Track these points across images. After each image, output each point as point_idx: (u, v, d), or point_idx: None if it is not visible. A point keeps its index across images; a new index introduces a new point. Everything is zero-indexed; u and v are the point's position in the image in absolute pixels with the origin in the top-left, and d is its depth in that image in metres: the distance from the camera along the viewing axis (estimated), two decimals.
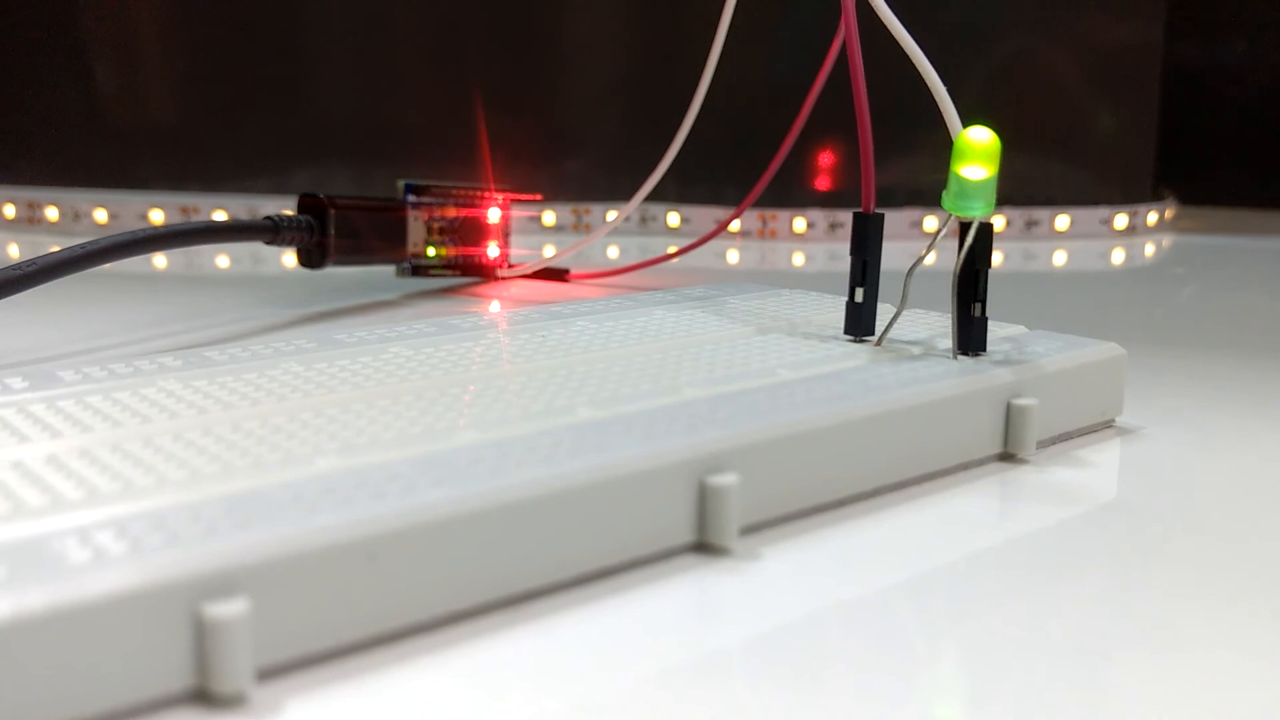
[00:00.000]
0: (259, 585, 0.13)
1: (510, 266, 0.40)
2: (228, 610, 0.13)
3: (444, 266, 0.39)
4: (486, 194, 0.40)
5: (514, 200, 0.41)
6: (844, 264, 0.51)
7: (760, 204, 0.55)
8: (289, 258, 0.49)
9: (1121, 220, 0.56)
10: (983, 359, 0.22)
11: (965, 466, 0.21)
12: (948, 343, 0.24)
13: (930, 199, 0.56)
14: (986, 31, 0.57)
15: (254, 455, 0.16)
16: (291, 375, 0.21)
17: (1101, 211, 0.56)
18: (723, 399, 0.19)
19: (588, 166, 0.58)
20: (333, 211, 0.35)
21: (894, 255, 0.55)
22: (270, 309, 0.36)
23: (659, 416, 0.18)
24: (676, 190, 0.56)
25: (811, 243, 0.55)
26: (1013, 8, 0.57)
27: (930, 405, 0.20)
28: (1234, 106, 0.68)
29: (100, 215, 0.53)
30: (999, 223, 0.55)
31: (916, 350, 0.23)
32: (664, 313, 0.26)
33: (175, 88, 0.59)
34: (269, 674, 0.14)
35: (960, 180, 0.22)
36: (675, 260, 0.41)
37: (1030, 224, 0.55)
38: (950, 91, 0.23)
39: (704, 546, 0.17)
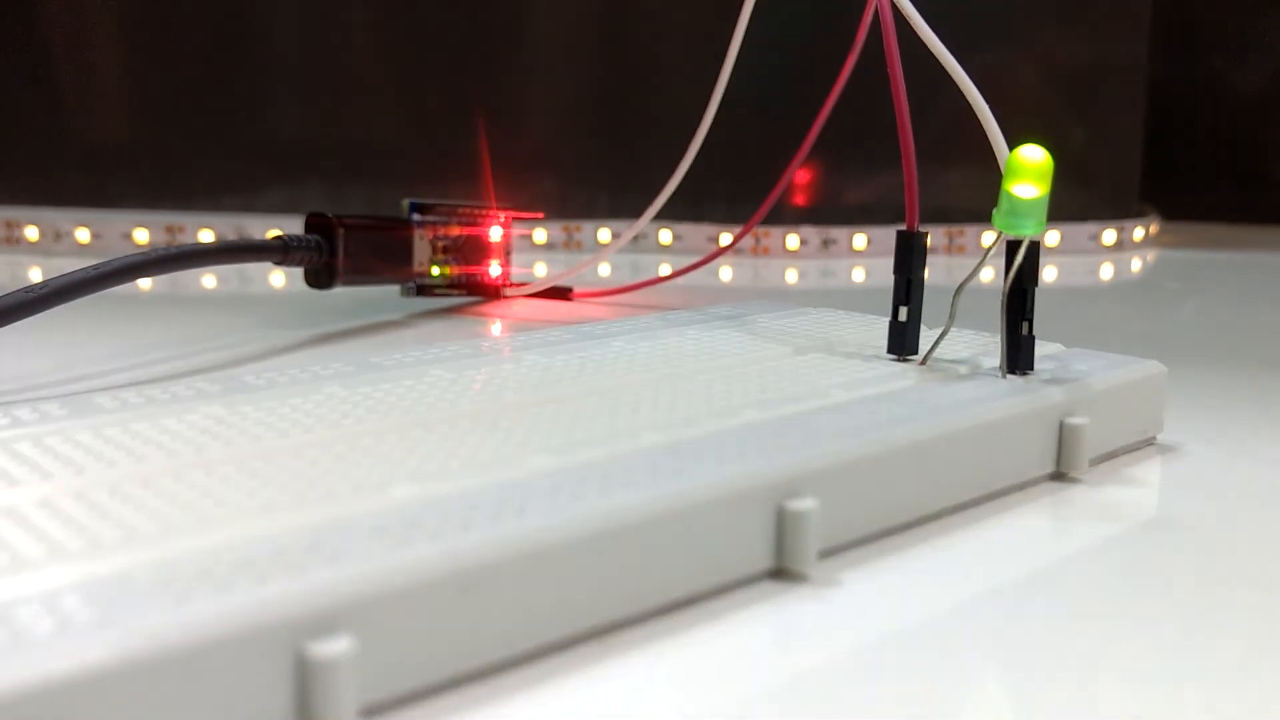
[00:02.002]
0: (362, 622, 0.13)
1: (515, 285, 0.40)
2: (332, 649, 0.12)
3: (449, 286, 0.39)
4: (489, 212, 0.39)
5: (516, 218, 0.41)
6: (836, 280, 0.52)
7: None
8: (277, 277, 0.48)
9: (1110, 236, 0.56)
10: (1032, 378, 0.22)
11: (1020, 486, 0.21)
12: (990, 361, 0.24)
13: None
14: (971, 48, 0.57)
15: (324, 485, 0.16)
16: (338, 400, 0.20)
17: (1090, 227, 0.56)
18: (786, 422, 0.19)
19: (562, 182, 0.58)
20: (342, 231, 0.34)
21: (885, 272, 0.55)
22: (275, 331, 0.35)
23: (726, 440, 0.18)
24: (666, 207, 0.56)
25: (804, 259, 0.55)
26: (997, 24, 0.58)
27: (993, 425, 0.20)
28: (1209, 122, 0.69)
29: (82, 235, 0.52)
30: (988, 238, 0.55)
31: (963, 369, 0.23)
32: (697, 333, 0.26)
33: (141, 105, 0.58)
34: (369, 712, 0.13)
35: (1012, 198, 0.21)
36: (654, 278, 0.41)
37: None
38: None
39: (781, 572, 0.17)
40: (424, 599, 0.13)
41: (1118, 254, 0.56)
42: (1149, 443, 0.24)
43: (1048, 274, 0.52)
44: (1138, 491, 0.21)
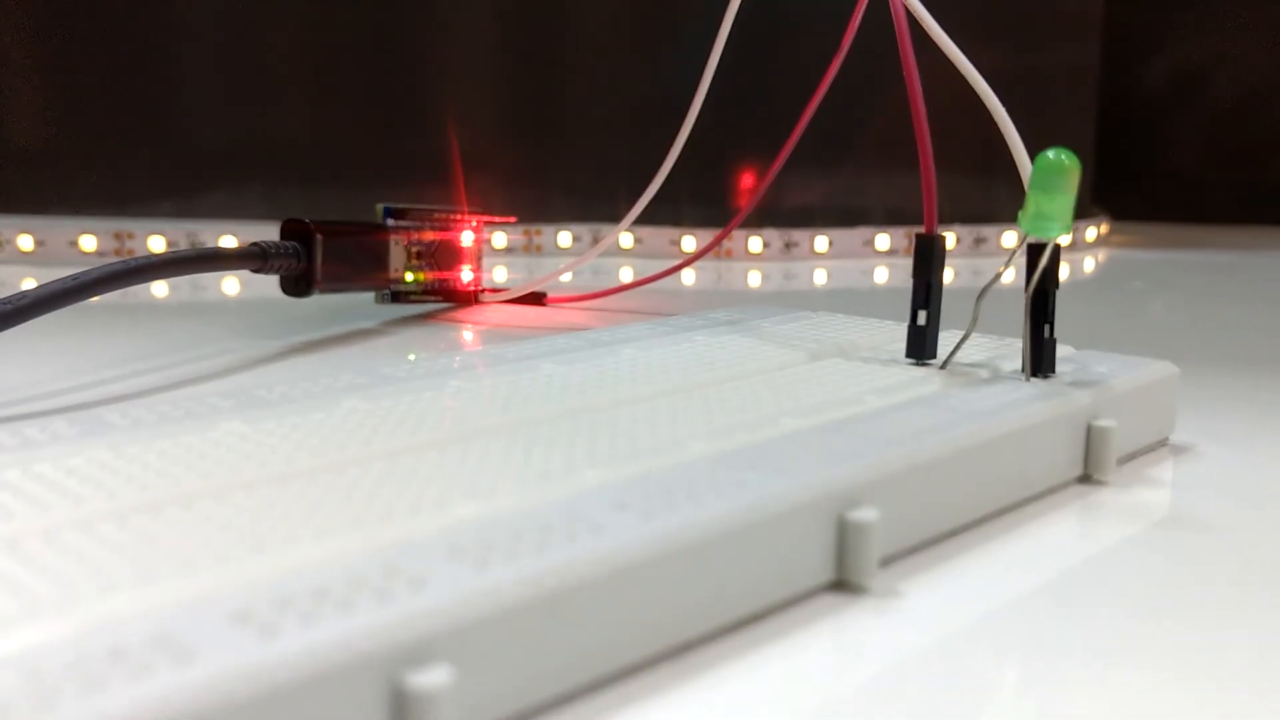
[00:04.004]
0: (458, 650, 0.12)
1: (492, 291, 0.39)
2: (431, 679, 0.12)
3: (423, 292, 0.38)
4: (462, 216, 0.39)
5: (488, 222, 0.40)
6: (798, 283, 0.52)
7: (715, 224, 0.54)
8: (231, 285, 0.47)
9: (1066, 238, 0.57)
10: (1055, 380, 0.22)
11: (1052, 490, 0.21)
12: (1007, 364, 0.24)
13: (876, 218, 0.56)
14: (924, 50, 0.58)
15: (378, 505, 0.15)
16: (362, 414, 0.19)
17: None
18: (830, 429, 0.19)
19: (491, 185, 0.57)
20: (320, 237, 0.33)
21: (847, 274, 0.55)
22: (249, 340, 0.34)
23: (776, 450, 0.18)
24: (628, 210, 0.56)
25: (767, 262, 0.55)
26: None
27: (1034, 429, 0.20)
28: (1155, 124, 0.70)
29: (25, 242, 0.50)
30: (950, 240, 0.56)
31: (983, 373, 0.23)
32: (706, 339, 0.25)
33: (67, 110, 0.56)
34: None
35: (1038, 201, 0.21)
36: (633, 281, 0.41)
37: (978, 241, 0.56)
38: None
39: (841, 584, 0.17)
40: (515, 623, 0.13)
41: (1072, 254, 0.57)
42: (1163, 443, 0.24)
43: (1006, 275, 0.53)
44: (1167, 493, 0.21)
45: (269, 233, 0.34)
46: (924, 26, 0.24)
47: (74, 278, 0.26)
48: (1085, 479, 0.22)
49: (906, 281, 0.24)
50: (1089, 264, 0.56)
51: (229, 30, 0.56)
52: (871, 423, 0.19)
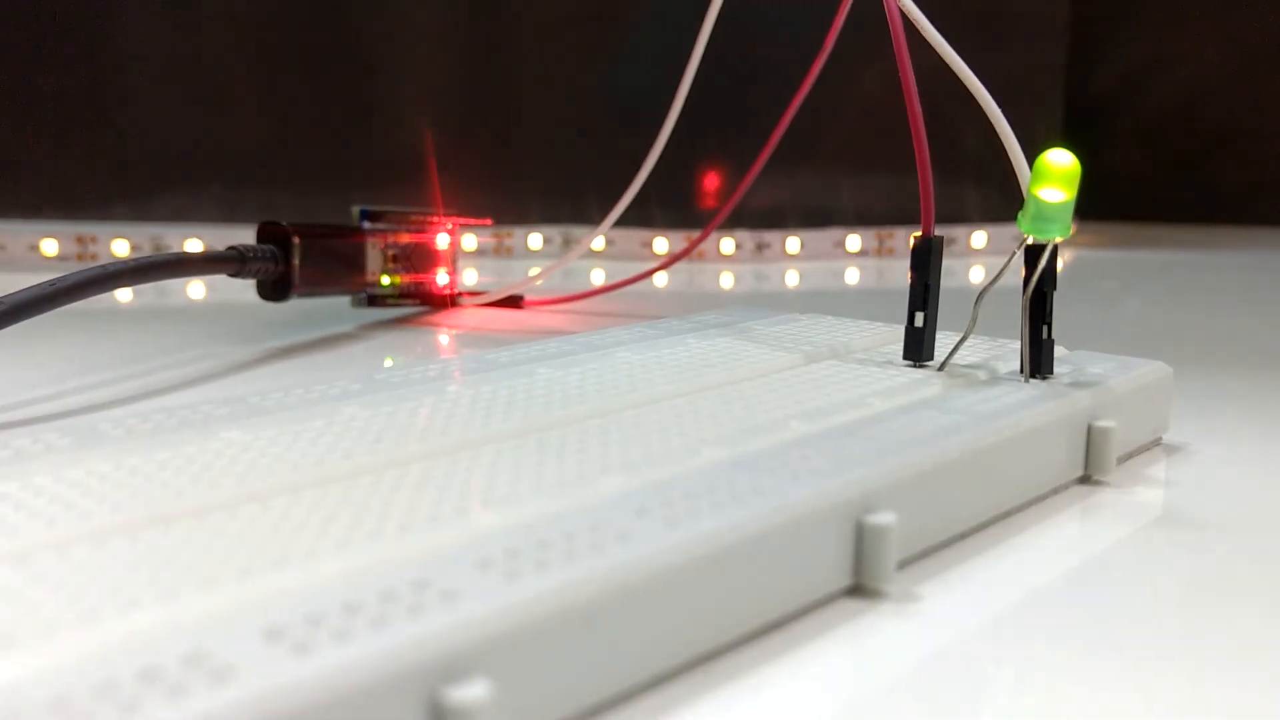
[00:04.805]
0: (495, 663, 0.12)
1: (470, 294, 0.39)
2: (470, 694, 0.11)
3: (400, 296, 0.37)
4: (437, 219, 0.38)
5: (463, 224, 0.39)
6: (770, 284, 0.52)
7: (686, 225, 0.54)
8: (196, 289, 0.46)
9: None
10: (1054, 382, 0.22)
11: (1055, 491, 0.21)
12: (1002, 365, 0.24)
13: (846, 219, 0.57)
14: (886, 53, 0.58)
15: (395, 515, 0.15)
16: (363, 421, 0.19)
17: (1013, 228, 0.57)
18: (840, 433, 0.19)
19: (443, 185, 0.56)
20: (297, 240, 0.32)
21: (818, 275, 0.55)
22: (226, 346, 0.33)
23: (790, 454, 0.17)
24: (597, 214, 0.55)
25: (739, 264, 0.55)
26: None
27: (1040, 430, 0.20)
28: (1103, 125, 0.71)
29: None
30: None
31: (982, 375, 0.23)
32: (699, 342, 0.25)
33: (16, 115, 0.55)
34: None
35: (1038, 202, 0.21)
36: (604, 282, 0.40)
37: (948, 242, 0.56)
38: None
39: (858, 589, 0.17)
40: (550, 635, 0.13)
41: None
42: (1156, 443, 0.24)
43: (975, 274, 0.53)
44: (1168, 492, 0.21)
45: (230, 236, 0.33)
46: (920, 29, 0.24)
47: (51, 284, 0.26)
48: (1085, 479, 0.22)
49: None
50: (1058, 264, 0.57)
51: (182, 31, 0.55)
52: (883, 426, 0.19)
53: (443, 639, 0.12)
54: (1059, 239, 0.22)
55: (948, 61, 0.23)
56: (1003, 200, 0.58)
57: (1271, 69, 0.70)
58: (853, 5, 0.29)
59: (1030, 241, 0.22)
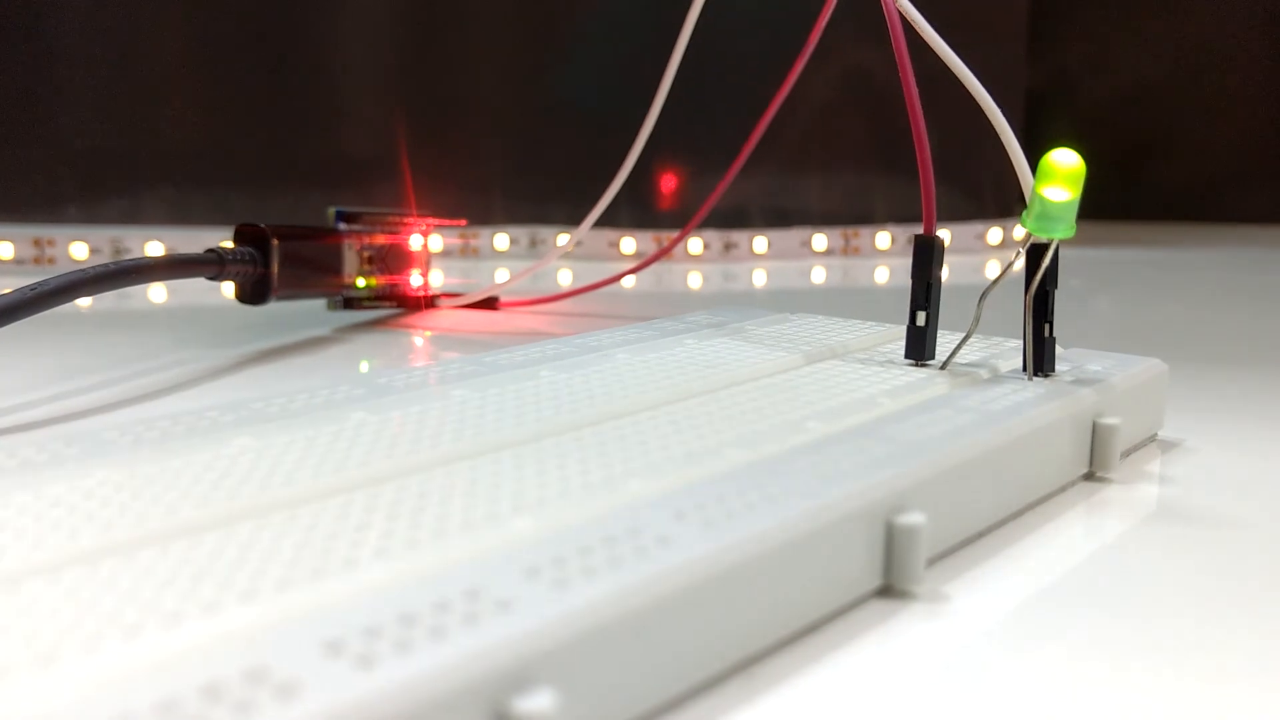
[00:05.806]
0: (557, 671, 0.12)
1: (448, 295, 0.38)
2: (537, 704, 0.11)
3: (376, 298, 0.37)
4: (412, 220, 0.38)
5: (438, 225, 0.39)
6: (739, 284, 0.52)
7: (657, 226, 0.54)
8: (158, 293, 0.45)
9: (995, 235, 0.58)
10: (1057, 380, 0.22)
11: (1063, 488, 0.21)
12: (1003, 364, 0.24)
13: (812, 219, 0.57)
14: (855, 55, 0.58)
15: (429, 521, 0.15)
16: (374, 427, 0.19)
17: (976, 227, 0.58)
18: (858, 433, 0.19)
19: (393, 186, 0.56)
20: (276, 242, 0.32)
21: (786, 274, 0.55)
22: (203, 350, 0.33)
23: (815, 456, 0.17)
24: (563, 213, 0.55)
25: (706, 263, 0.55)
26: (876, 30, 0.59)
27: (1053, 427, 0.20)
28: (1037, 124, 0.72)
29: None
30: (884, 240, 0.56)
31: (984, 373, 0.23)
32: (697, 343, 0.25)
33: None
34: None
35: (1043, 201, 0.21)
36: (571, 281, 0.40)
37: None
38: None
39: (887, 590, 0.17)
40: (608, 641, 0.12)
41: (1002, 252, 0.58)
42: (1152, 439, 0.25)
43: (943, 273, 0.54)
44: (1171, 488, 0.22)
45: (189, 237, 0.32)
46: (918, 30, 0.24)
47: (32, 288, 0.25)
48: (1089, 476, 0.22)
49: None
50: (1019, 262, 0.57)
51: (122, 32, 0.54)
52: (900, 426, 0.19)
53: (507, 649, 0.11)
54: (1062, 238, 0.22)
55: (947, 62, 0.23)
56: (965, 197, 0.59)
57: (1208, 69, 0.71)
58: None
59: (1032, 240, 0.22)
